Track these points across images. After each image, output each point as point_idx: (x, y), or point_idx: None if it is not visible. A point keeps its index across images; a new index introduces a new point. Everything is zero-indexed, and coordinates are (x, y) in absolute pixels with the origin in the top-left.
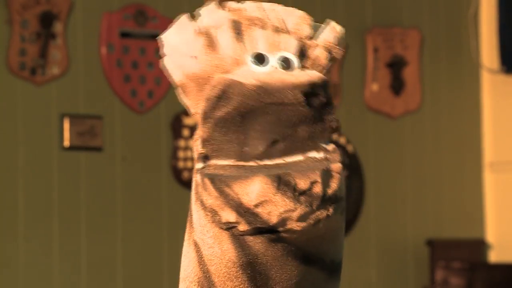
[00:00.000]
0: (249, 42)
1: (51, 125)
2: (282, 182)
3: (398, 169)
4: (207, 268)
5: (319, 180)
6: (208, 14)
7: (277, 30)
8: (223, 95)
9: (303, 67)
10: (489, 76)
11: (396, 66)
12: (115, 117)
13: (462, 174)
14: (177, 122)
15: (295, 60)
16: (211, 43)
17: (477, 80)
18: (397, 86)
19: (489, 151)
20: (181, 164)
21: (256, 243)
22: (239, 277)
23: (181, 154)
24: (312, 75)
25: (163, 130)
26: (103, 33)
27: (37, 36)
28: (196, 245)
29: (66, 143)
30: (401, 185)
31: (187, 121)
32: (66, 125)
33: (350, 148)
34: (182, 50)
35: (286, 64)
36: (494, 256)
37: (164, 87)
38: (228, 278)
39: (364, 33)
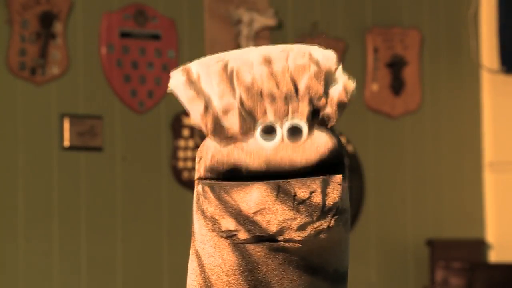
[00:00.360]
0: (258, 116)
1: (51, 125)
2: (282, 191)
3: (398, 169)
4: (208, 277)
5: (318, 189)
6: (219, 96)
7: (288, 98)
8: (228, 173)
9: (313, 122)
10: (489, 76)
11: (396, 66)
12: (115, 117)
13: (462, 174)
14: (177, 122)
15: (304, 128)
16: (218, 129)
17: (477, 80)
18: (397, 86)
19: (489, 151)
20: (181, 164)
21: (257, 251)
22: (240, 285)
23: (181, 154)
24: (322, 148)
25: (163, 130)
26: (103, 33)
27: (37, 36)
28: (197, 254)
29: (66, 143)
30: (401, 185)
31: (187, 121)
32: (66, 125)
33: (350, 148)
34: (191, 118)
35: (295, 133)
36: (494, 256)
37: (164, 87)
38: (229, 287)
39: (364, 33)
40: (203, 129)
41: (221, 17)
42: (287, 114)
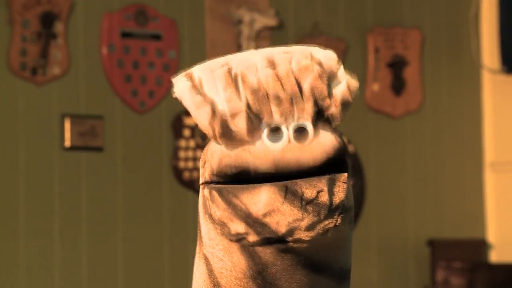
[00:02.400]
0: (264, 118)
1: (52, 125)
2: (289, 192)
3: (399, 169)
4: (217, 281)
5: (325, 189)
6: (227, 100)
7: (293, 100)
8: (236, 176)
9: (318, 122)
10: (489, 76)
11: (397, 66)
12: (116, 117)
13: (462, 174)
14: (178, 122)
15: (310, 128)
16: (226, 133)
17: (477, 80)
18: (398, 86)
19: (489, 151)
20: (182, 164)
21: (266, 253)
22: None
23: (181, 154)
24: (327, 146)
25: (164, 130)
26: (104, 33)
27: (38, 36)
28: (205, 258)
29: (67, 143)
30: (402, 185)
31: (188, 121)
32: (67, 125)
33: (351, 148)
34: (199, 125)
35: (301, 133)
36: (494, 256)
37: (165, 87)
38: None
39: (365, 33)
40: (211, 133)
41: (222, 17)
42: (292, 115)
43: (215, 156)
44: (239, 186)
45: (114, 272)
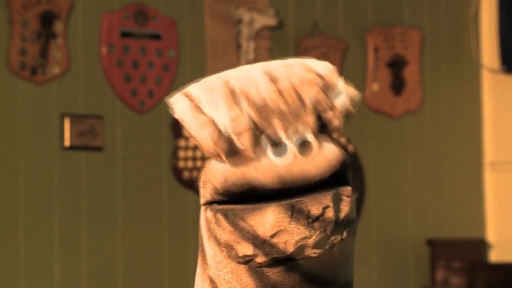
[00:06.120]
0: (268, 134)
1: (52, 125)
2: (296, 210)
3: (398, 169)
4: None
5: (330, 205)
6: (232, 119)
7: (296, 113)
8: (242, 192)
9: (321, 135)
10: (489, 75)
11: (396, 65)
12: (115, 117)
13: (462, 173)
14: (178, 122)
15: (314, 142)
16: (232, 150)
17: (477, 80)
18: (397, 86)
19: (489, 150)
20: (181, 163)
21: (274, 273)
22: None
23: (181, 153)
24: (332, 158)
25: (163, 130)
26: (104, 32)
27: (38, 36)
28: (211, 281)
29: (67, 142)
30: (402, 184)
31: None
32: (67, 124)
33: (350, 148)
34: (203, 145)
35: (305, 147)
36: (494, 256)
37: (164, 87)
38: None
39: (364, 33)
40: (216, 153)
41: (221, 17)
42: (296, 129)
43: (218, 175)
44: (244, 208)
45: (114, 271)
